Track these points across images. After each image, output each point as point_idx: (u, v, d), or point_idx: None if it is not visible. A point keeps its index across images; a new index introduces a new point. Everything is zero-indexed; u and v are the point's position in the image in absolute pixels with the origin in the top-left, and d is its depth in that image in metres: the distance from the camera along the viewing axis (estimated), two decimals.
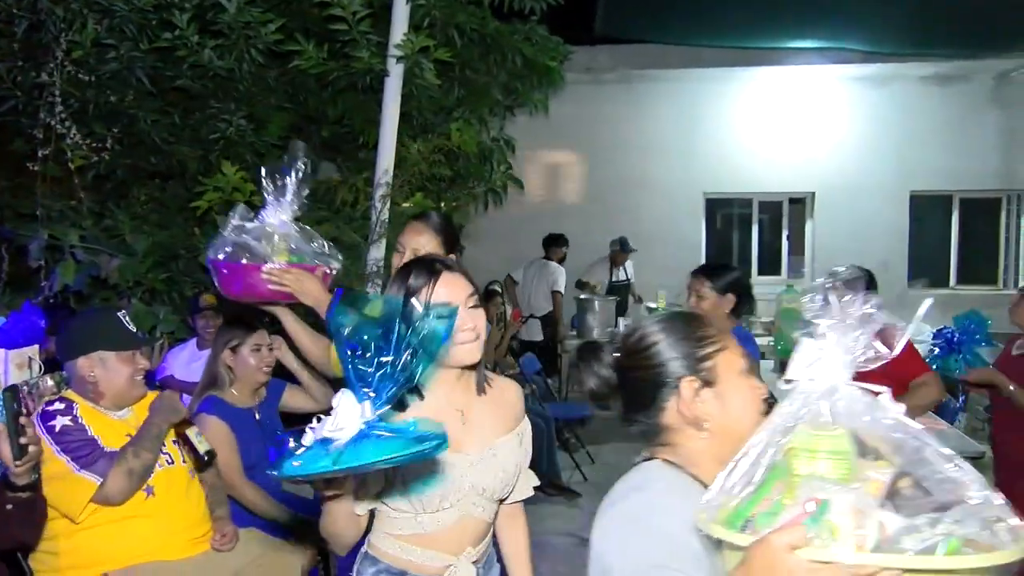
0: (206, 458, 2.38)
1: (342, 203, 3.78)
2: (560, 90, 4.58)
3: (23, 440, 1.71)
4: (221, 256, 2.06)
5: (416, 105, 3.92)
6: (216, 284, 2.13)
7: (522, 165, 4.67)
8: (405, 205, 4.18)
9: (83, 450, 2.11)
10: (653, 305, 6.16)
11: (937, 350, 4.27)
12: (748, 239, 9.36)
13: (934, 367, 4.37)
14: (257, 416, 2.82)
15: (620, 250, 7.85)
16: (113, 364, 2.23)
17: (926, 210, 8.90)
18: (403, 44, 3.40)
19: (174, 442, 2.36)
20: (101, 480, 2.09)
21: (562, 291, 7.61)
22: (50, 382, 1.89)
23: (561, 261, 7.72)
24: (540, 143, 7.52)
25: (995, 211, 9.00)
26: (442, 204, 4.64)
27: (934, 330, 7.22)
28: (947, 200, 8.96)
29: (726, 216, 9.40)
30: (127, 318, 2.33)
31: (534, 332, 7.54)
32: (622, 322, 6.66)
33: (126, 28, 3.50)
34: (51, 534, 2.10)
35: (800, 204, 9.18)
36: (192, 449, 2.37)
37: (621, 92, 8.75)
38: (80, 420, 2.17)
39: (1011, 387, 3.29)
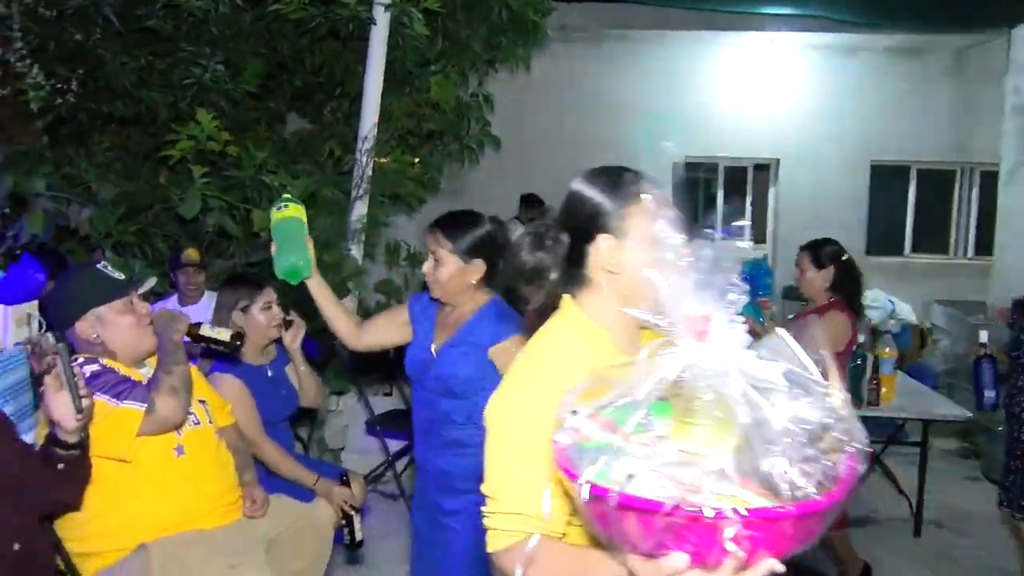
0: (237, 342, 2.26)
1: (328, 156, 3.63)
2: (546, 47, 4.47)
3: (82, 393, 1.62)
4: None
5: (400, 56, 3.77)
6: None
7: (494, 123, 4.55)
8: (384, 160, 4.05)
9: (120, 386, 1.97)
10: None
11: None
12: (712, 203, 9.40)
13: None
14: (269, 373, 2.70)
15: None
16: (111, 318, 2.06)
17: (884, 180, 9.06)
18: None
19: (199, 401, 2.22)
20: (144, 406, 1.96)
21: None
22: (51, 339, 1.76)
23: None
24: (511, 101, 7.39)
25: (949, 183, 9.21)
26: (417, 160, 4.52)
27: (889, 297, 7.36)
28: (905, 171, 9.12)
29: (691, 180, 9.41)
30: (109, 267, 2.15)
31: None
32: None
33: None
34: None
35: (764, 170, 9.25)
36: (217, 343, 2.23)
37: (591, 51, 8.62)
38: (109, 366, 2.03)
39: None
